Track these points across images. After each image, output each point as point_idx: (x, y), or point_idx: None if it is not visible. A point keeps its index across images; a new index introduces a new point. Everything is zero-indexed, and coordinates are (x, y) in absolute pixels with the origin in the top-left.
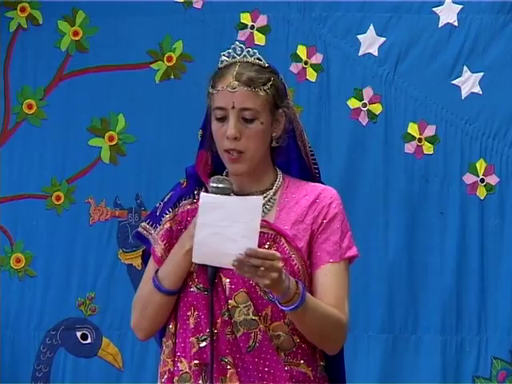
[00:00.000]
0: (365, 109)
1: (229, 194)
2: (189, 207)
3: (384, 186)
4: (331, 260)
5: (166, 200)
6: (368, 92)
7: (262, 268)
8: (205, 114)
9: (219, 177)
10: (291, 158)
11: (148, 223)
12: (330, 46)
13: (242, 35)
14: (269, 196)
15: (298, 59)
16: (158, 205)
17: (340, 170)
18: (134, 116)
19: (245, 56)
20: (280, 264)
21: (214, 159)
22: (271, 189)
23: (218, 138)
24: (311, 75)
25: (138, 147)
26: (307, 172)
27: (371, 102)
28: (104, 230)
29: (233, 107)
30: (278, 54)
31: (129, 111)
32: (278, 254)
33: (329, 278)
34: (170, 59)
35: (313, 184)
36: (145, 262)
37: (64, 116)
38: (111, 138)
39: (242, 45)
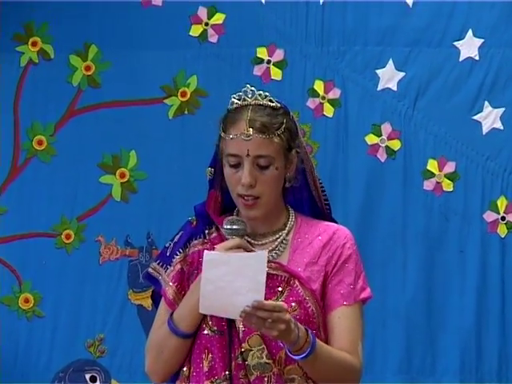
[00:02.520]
0: (383, 145)
1: (243, 236)
2: (200, 248)
3: (402, 223)
4: (345, 303)
5: (176, 240)
6: (387, 128)
7: (270, 320)
8: (214, 152)
9: (233, 218)
10: (302, 196)
11: (158, 264)
12: (348, 81)
13: (258, 70)
14: (281, 237)
15: (315, 94)
16: (167, 245)
17: (358, 208)
18: (145, 153)
19: (256, 99)
20: (287, 315)
21: (223, 196)
22: (284, 229)
23: (232, 184)
24: (328, 110)
25: (150, 184)
26: (318, 209)
27: (390, 138)
28: (114, 270)
29: (247, 155)
30: (294, 88)
31: (141, 148)
32: (285, 306)
33: (342, 321)
34: (183, 94)
35: (326, 223)
36: (155, 302)
37: (74, 152)
38: (122, 175)
39: (253, 88)
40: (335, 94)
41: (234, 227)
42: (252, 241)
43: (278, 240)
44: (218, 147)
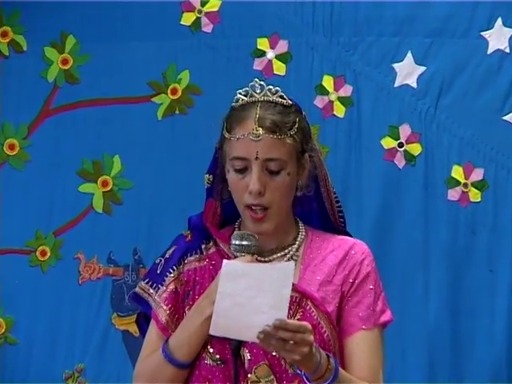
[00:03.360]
0: (401, 149)
1: (253, 254)
2: (196, 265)
3: (424, 238)
4: (364, 327)
5: (167, 256)
6: (405, 130)
7: (292, 342)
8: (212, 155)
9: (243, 233)
10: (312, 207)
11: (147, 283)
12: (361, 77)
13: (259, 64)
14: (291, 252)
15: (323, 91)
16: (158, 261)
17: (372, 221)
18: (131, 158)
19: (265, 94)
20: (312, 337)
21: (223, 207)
22: (294, 244)
23: (238, 192)
24: (339, 110)
25: (136, 194)
26: (330, 223)
27: (409, 142)
28: (96, 291)
29: (256, 158)
30: (300, 85)
31: (126, 152)
32: (310, 327)
33: (361, 347)
34: (174, 92)
35: (340, 237)
36: (140, 328)
37: (51, 158)
38: (105, 184)
39: (262, 82)
40: (346, 91)
41: (244, 243)
42: (258, 257)
43: (288, 256)
44: (219, 150)
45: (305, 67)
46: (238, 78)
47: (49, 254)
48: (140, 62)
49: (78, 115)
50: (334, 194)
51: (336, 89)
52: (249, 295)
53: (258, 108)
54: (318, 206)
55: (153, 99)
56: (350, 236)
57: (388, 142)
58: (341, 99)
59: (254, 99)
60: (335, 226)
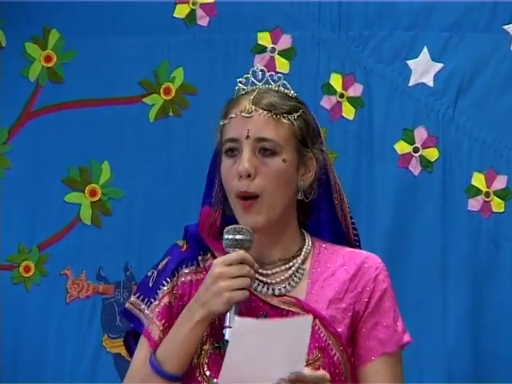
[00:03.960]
0: (417, 155)
1: (248, 248)
2: (193, 277)
3: (442, 253)
4: (385, 351)
5: (160, 268)
6: (421, 133)
7: None
8: (211, 160)
9: (237, 226)
10: (321, 217)
11: (138, 298)
12: (373, 75)
13: (260, 60)
14: (296, 265)
15: (331, 91)
16: (149, 274)
17: (385, 233)
18: (121, 165)
19: (267, 82)
20: None
21: (223, 220)
22: (299, 255)
23: (229, 180)
24: (348, 112)
25: (128, 204)
26: (342, 235)
27: (425, 146)
28: (85, 310)
29: (247, 136)
30: (305, 84)
31: (115, 158)
32: (328, 376)
33: (382, 375)
34: (167, 91)
35: (350, 250)
36: (128, 349)
37: (33, 165)
38: (93, 193)
39: (263, 68)
40: (356, 90)
41: (238, 237)
42: (259, 269)
43: (293, 268)
44: (217, 155)
45: (310, 64)
46: (236, 77)
47: (33, 270)
48: (130, 59)
49: (63, 117)
50: (348, 207)
51: (345, 88)
52: (262, 350)
53: (256, 92)
54: (328, 218)
55: (144, 100)
56: (359, 245)
57: (402, 147)
58: (350, 99)
59: (254, 87)
60: (349, 240)
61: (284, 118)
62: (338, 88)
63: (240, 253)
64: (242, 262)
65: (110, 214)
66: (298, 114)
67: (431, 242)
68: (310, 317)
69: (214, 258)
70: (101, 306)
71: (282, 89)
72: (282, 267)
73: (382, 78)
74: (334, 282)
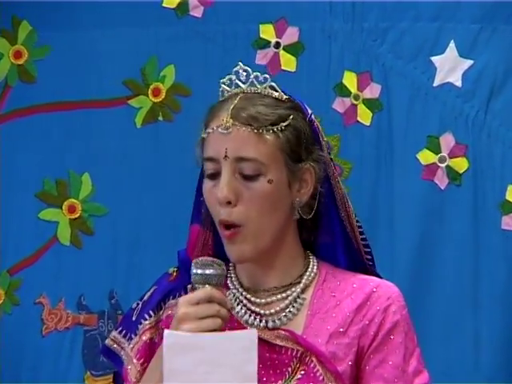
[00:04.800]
0: (443, 165)
1: (219, 284)
2: None
3: (473, 277)
4: None
5: (146, 299)
6: (448, 140)
7: None
8: (200, 173)
9: (205, 259)
10: (336, 240)
11: (121, 333)
12: (392, 73)
13: (263, 57)
14: (294, 294)
15: (344, 92)
16: (134, 305)
17: (408, 255)
18: (104, 177)
19: (252, 84)
20: None
21: (216, 240)
22: (298, 283)
23: (211, 204)
24: (365, 116)
25: (112, 222)
26: (358, 259)
27: (453, 156)
28: (63, 344)
29: (225, 157)
30: (315, 84)
31: (97, 169)
32: None
33: None
34: (156, 93)
35: (362, 277)
36: None
37: (3, 177)
38: (72, 209)
39: (246, 67)
40: (374, 91)
41: (208, 272)
42: (252, 298)
43: (290, 298)
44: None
45: (320, 61)
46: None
47: (3, 298)
48: (112, 56)
49: (36, 122)
50: (357, 222)
51: (360, 89)
52: (204, 371)
53: (238, 98)
54: (342, 239)
55: (129, 102)
56: (379, 277)
57: (426, 157)
58: (366, 102)
59: (238, 90)
60: (363, 263)
61: (268, 131)
62: (353, 88)
63: (207, 290)
64: (210, 301)
65: (92, 234)
66: (285, 123)
67: (461, 266)
68: (253, 331)
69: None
70: (82, 339)
71: (269, 91)
72: (279, 296)
73: (403, 77)
74: (337, 313)
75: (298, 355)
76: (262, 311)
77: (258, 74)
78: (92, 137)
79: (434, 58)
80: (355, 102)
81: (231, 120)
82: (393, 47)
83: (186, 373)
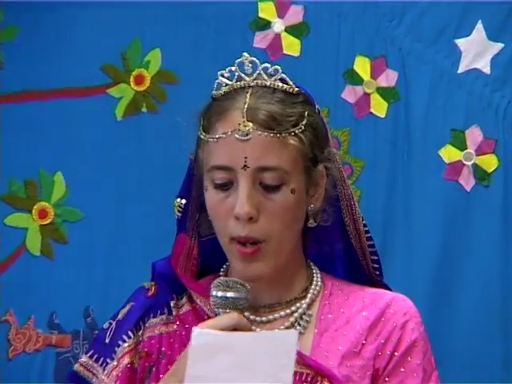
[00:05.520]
0: (469, 163)
1: (242, 310)
2: (162, 330)
3: (503, 292)
4: None
5: (120, 317)
6: (475, 135)
7: None
8: (186, 173)
9: (227, 280)
10: (334, 248)
11: (92, 357)
12: (410, 58)
13: (262, 39)
14: (300, 310)
15: (355, 80)
16: (106, 325)
17: (428, 266)
18: (79, 176)
19: (259, 77)
20: None
21: (202, 248)
22: (304, 298)
23: (220, 218)
24: (379, 107)
25: (87, 228)
26: (360, 270)
27: (480, 153)
28: (33, 368)
29: (244, 166)
30: (321, 71)
31: (71, 168)
32: None
33: None
34: (139, 80)
35: (372, 290)
36: None
37: None
38: (43, 214)
39: (253, 58)
40: (389, 79)
41: (230, 295)
42: (251, 316)
43: (295, 315)
44: (195, 162)
45: (328, 45)
46: (231, 61)
47: None
48: (89, 38)
49: (2, 115)
50: (365, 227)
51: (374, 76)
52: (231, 378)
53: (249, 95)
54: (343, 246)
55: (109, 91)
56: (388, 289)
57: (450, 153)
58: (381, 91)
59: (242, 84)
60: (369, 275)
61: (289, 134)
62: (366, 76)
63: (234, 317)
64: (235, 329)
65: (65, 242)
66: (304, 121)
67: (489, 280)
68: (295, 332)
69: (192, 301)
70: (54, 363)
71: (279, 84)
72: (282, 313)
73: (423, 63)
74: (348, 331)
75: (309, 379)
76: (264, 330)
77: (268, 65)
78: (65, 131)
79: (458, 41)
80: (368, 91)
81: (250, 123)
82: (411, 29)
83: (211, 379)
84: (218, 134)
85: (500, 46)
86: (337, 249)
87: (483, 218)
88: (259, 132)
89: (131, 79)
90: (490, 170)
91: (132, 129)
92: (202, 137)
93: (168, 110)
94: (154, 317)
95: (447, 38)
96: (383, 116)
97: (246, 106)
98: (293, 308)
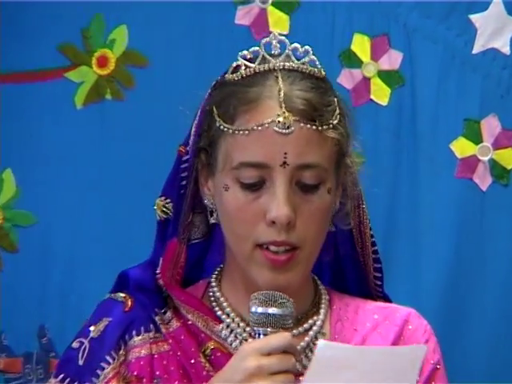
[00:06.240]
0: (485, 158)
1: (289, 327)
2: (152, 350)
3: None
4: None
5: (95, 335)
6: (492, 126)
7: None
8: (173, 166)
9: (273, 294)
10: (328, 253)
11: (63, 381)
12: (417, 37)
13: (245, 15)
14: (315, 328)
15: (353, 62)
16: (77, 344)
17: (438, 276)
18: (32, 175)
19: (287, 59)
20: None
21: (189, 255)
22: (316, 314)
23: (245, 222)
24: (381, 93)
25: (42, 235)
26: (364, 280)
27: (498, 146)
28: None
29: (284, 164)
30: (314, 50)
31: (22, 165)
32: None
33: None
34: (102, 62)
35: (380, 304)
36: None
37: None
38: None
39: (283, 37)
40: (393, 60)
41: (277, 312)
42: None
43: (311, 334)
44: (196, 155)
45: (322, 21)
46: (209, 41)
47: None
48: (43, 13)
49: None
50: (370, 229)
51: (375, 57)
52: None
53: (280, 80)
54: (343, 253)
55: (67, 74)
56: (389, 301)
57: (463, 147)
58: (383, 74)
59: (268, 66)
60: (366, 284)
61: (329, 127)
62: (365, 57)
63: (285, 338)
64: (285, 351)
65: (16, 250)
66: (337, 110)
67: (508, 291)
68: (423, 347)
69: (179, 317)
70: None
71: (308, 67)
72: (295, 331)
73: (432, 42)
74: None
75: None
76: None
77: (298, 45)
78: (15, 121)
79: (473, 17)
80: (368, 75)
81: (290, 114)
82: (418, 2)
83: None
84: (251, 125)
85: None
86: (330, 255)
87: (501, 221)
88: (301, 124)
89: (93, 61)
90: (509, 167)
91: (94, 118)
92: (223, 128)
93: (136, 97)
94: (137, 335)
95: (460, 13)
96: (385, 104)
97: (281, 94)
98: (305, 326)
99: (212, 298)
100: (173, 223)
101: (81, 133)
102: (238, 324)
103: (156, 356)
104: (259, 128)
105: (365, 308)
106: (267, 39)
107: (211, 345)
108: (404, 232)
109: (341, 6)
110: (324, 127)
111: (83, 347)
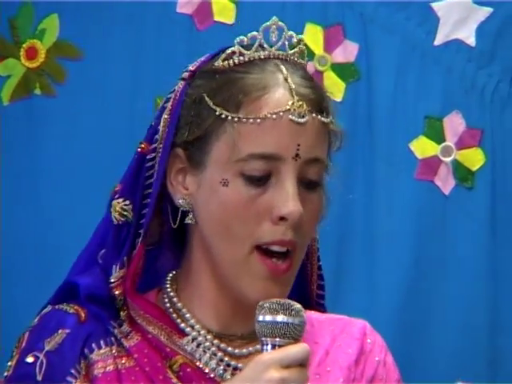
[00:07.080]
0: (448, 159)
1: (299, 338)
2: (118, 365)
3: (491, 316)
4: None
5: (50, 349)
6: (455, 124)
7: None
8: (133, 168)
9: (284, 302)
10: None
11: None
12: (374, 27)
13: (186, 3)
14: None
15: (306, 54)
16: (31, 359)
17: (397, 287)
18: None
19: (284, 46)
20: None
21: (147, 259)
22: None
23: (246, 220)
24: (334, 88)
25: None
26: (305, 287)
27: (462, 146)
28: None
29: (296, 156)
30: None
31: None
32: None
33: None
34: (31, 54)
35: (330, 316)
36: None
37: None
38: None
39: (281, 23)
40: (347, 52)
41: (291, 320)
42: (229, 348)
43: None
44: (166, 154)
45: (270, 9)
46: (148, 31)
47: None
48: None
49: None
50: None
51: (328, 49)
52: None
53: (283, 68)
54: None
55: None
56: (324, 310)
57: (424, 147)
58: (337, 68)
59: (266, 53)
60: (309, 293)
61: (332, 118)
62: (317, 49)
63: (305, 348)
64: (302, 364)
65: None
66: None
67: (473, 303)
68: None
69: (137, 330)
70: None
71: (297, 58)
72: (258, 346)
73: (390, 33)
74: (333, 367)
75: None
76: (240, 365)
77: (293, 33)
78: None
79: (435, 5)
80: (321, 69)
81: (304, 104)
82: None
83: None
84: (263, 113)
85: (488, 10)
86: None
87: (465, 227)
88: (313, 115)
89: (21, 53)
90: (473, 168)
91: (22, 115)
92: (226, 117)
93: (67, 92)
94: (98, 348)
95: (421, 1)
96: (339, 99)
97: (290, 81)
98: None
99: (171, 310)
100: (134, 227)
101: (7, 131)
102: (205, 337)
103: (123, 371)
104: (273, 116)
105: (319, 320)
106: (267, 24)
107: (179, 359)
108: (359, 239)
109: None
110: (328, 120)
111: (39, 362)
